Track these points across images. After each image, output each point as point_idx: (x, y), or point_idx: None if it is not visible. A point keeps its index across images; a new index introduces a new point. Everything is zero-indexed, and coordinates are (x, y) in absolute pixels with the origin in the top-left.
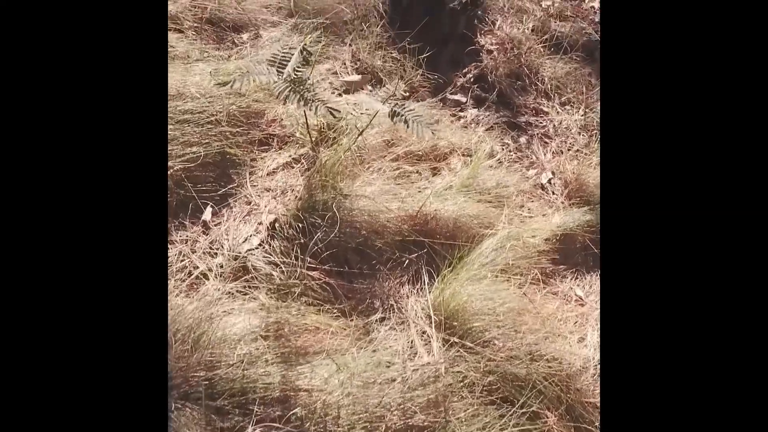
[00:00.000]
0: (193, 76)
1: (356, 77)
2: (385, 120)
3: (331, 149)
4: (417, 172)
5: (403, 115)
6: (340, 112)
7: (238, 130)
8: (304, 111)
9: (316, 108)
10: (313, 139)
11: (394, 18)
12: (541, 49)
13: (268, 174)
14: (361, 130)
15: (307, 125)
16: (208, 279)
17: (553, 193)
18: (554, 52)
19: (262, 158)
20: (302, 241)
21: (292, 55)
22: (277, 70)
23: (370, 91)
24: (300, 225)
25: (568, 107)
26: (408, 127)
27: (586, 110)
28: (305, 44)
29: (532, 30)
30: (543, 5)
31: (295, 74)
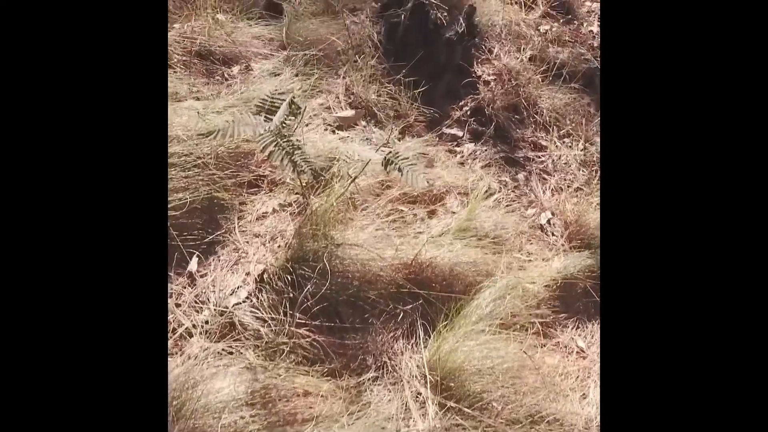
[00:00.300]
0: (180, 117)
1: (350, 113)
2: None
3: (322, 195)
4: (413, 213)
5: (396, 164)
6: (324, 175)
7: (226, 172)
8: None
9: (302, 168)
10: (304, 185)
11: (388, 49)
12: (539, 79)
13: (257, 218)
14: (353, 177)
15: (298, 177)
16: (192, 336)
17: (553, 234)
18: (553, 82)
19: (251, 201)
20: (292, 294)
21: (281, 101)
22: (264, 118)
23: (364, 126)
24: (289, 277)
25: (567, 140)
26: (402, 176)
27: (586, 144)
28: (293, 97)
29: (530, 59)
30: (541, 30)
31: (282, 126)
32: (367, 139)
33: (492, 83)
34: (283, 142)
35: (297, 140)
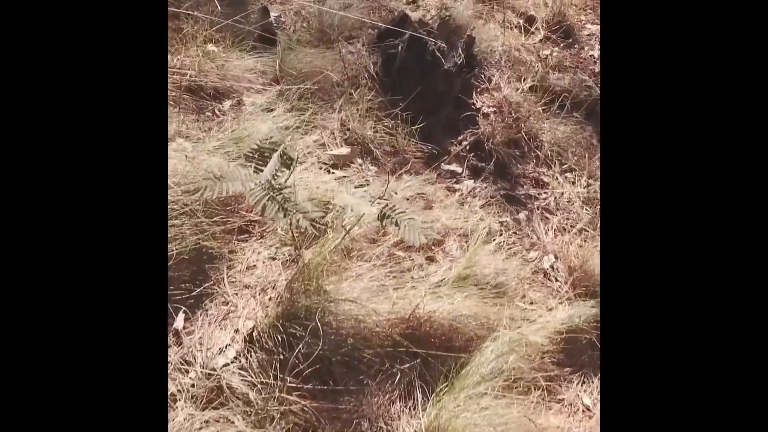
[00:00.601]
0: (168, 159)
1: (345, 150)
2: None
3: (315, 245)
4: (410, 259)
5: (393, 218)
6: (323, 224)
7: (215, 219)
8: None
9: (297, 221)
10: (297, 236)
11: (385, 81)
12: (540, 111)
13: (247, 268)
14: (347, 229)
15: (291, 228)
16: (177, 401)
17: (557, 280)
18: (554, 113)
19: (241, 249)
20: (282, 356)
21: (272, 150)
22: (254, 168)
23: (360, 164)
24: (280, 337)
25: (569, 175)
26: (399, 231)
27: (589, 180)
28: (285, 148)
29: (531, 89)
30: (541, 55)
31: (273, 178)
32: (363, 178)
33: (492, 116)
34: (276, 194)
35: (290, 191)
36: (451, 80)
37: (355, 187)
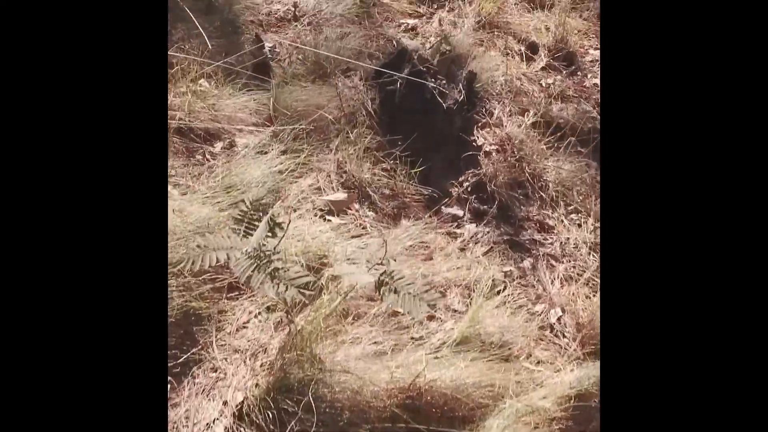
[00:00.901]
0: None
1: (342, 195)
2: (372, 258)
3: (308, 309)
4: (410, 317)
5: (392, 286)
6: (313, 290)
7: (203, 277)
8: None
9: (286, 289)
10: (288, 304)
11: (383, 119)
12: (544, 148)
13: (237, 329)
14: (344, 295)
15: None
16: None
17: (564, 336)
18: (557, 149)
19: (231, 309)
20: None
21: (262, 213)
22: (243, 232)
23: (357, 210)
24: (271, 413)
25: (574, 217)
26: (399, 303)
27: (595, 223)
28: (272, 215)
29: (533, 125)
30: (543, 84)
31: (261, 247)
32: (360, 226)
33: (494, 154)
34: (263, 262)
35: (279, 258)
36: (452, 118)
37: (353, 237)
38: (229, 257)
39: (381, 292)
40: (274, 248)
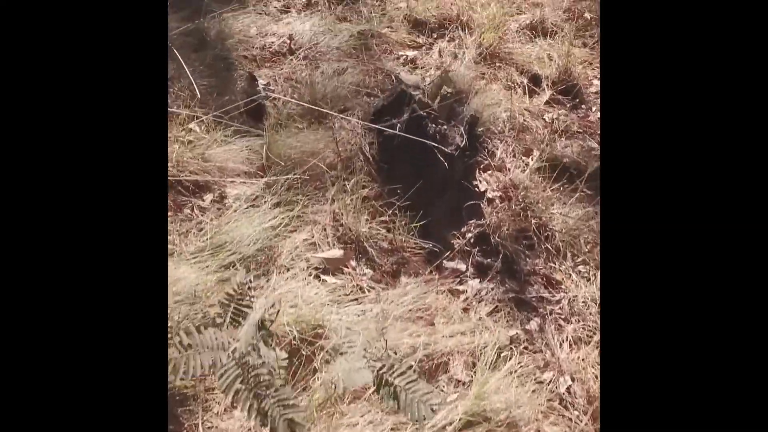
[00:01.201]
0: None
1: (338, 252)
2: (368, 330)
3: (301, 395)
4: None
5: (391, 389)
6: (304, 426)
7: (189, 352)
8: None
9: (275, 419)
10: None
11: (382, 165)
12: (550, 193)
13: (225, 410)
14: (339, 391)
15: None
16: None
17: (574, 408)
18: (563, 191)
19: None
20: None
21: (251, 297)
22: (231, 320)
23: (354, 268)
24: None
25: (582, 269)
26: (401, 406)
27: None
28: (264, 317)
29: (538, 170)
30: (547, 119)
31: (249, 351)
32: (357, 287)
33: (497, 201)
34: (249, 375)
35: (266, 378)
36: (454, 164)
37: (349, 302)
38: (214, 363)
39: (381, 394)
40: (262, 363)
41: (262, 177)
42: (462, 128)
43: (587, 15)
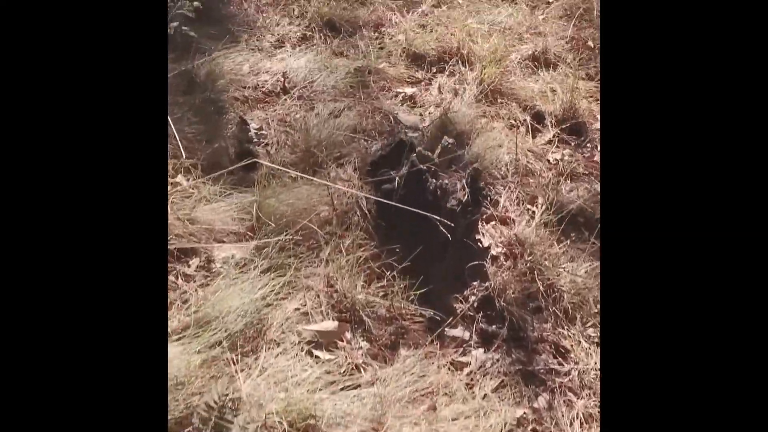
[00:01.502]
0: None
1: (332, 325)
2: (365, 421)
3: None
4: None
5: None
6: None
7: None
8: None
9: None
10: None
11: (379, 222)
12: (557, 250)
13: None
14: None
15: None
16: None
17: None
18: (570, 243)
19: None
20: None
21: (234, 412)
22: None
23: (349, 341)
24: None
25: (592, 332)
26: None
27: None
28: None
29: (545, 225)
30: (551, 160)
31: None
32: (353, 364)
33: (501, 258)
34: None
35: None
36: (455, 221)
37: (345, 383)
38: None
39: None
40: None
41: (252, 237)
42: (464, 181)
43: (590, 43)
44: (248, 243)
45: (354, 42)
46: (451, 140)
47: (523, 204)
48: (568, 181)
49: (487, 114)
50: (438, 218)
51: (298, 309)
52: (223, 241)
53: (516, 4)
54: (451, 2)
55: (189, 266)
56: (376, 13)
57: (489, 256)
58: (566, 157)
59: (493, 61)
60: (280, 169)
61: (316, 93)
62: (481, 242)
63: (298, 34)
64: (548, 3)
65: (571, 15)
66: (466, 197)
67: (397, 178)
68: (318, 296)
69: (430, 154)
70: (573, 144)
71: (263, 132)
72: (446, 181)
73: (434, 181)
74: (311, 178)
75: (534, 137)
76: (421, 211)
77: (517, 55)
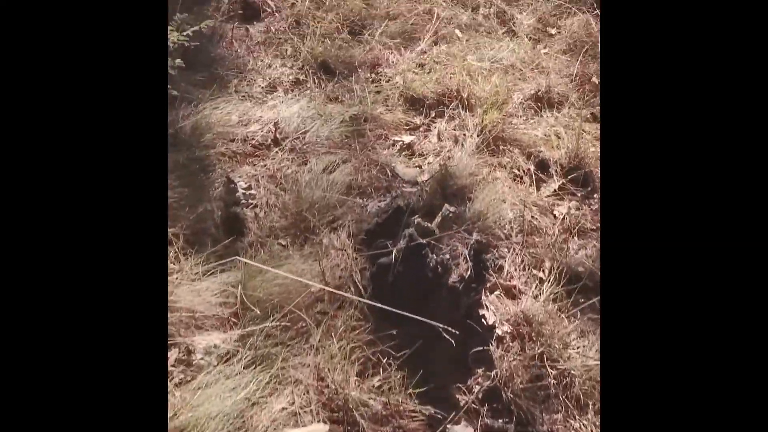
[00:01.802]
0: None
1: (323, 429)
2: None
3: None
4: None
5: None
6: None
7: None
8: None
9: None
10: None
11: (375, 301)
12: (567, 325)
13: None
14: None
15: None
16: None
17: None
18: (581, 318)
19: None
20: None
21: None
22: None
23: None
24: None
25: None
26: None
27: None
28: None
29: (554, 299)
30: (557, 214)
31: None
32: None
33: (507, 339)
34: None
35: None
36: (457, 300)
37: None
38: None
39: None
40: None
41: (235, 324)
42: (466, 252)
43: (595, 80)
44: (232, 332)
45: (349, 85)
46: (452, 209)
47: (528, 269)
48: (575, 238)
49: (489, 164)
50: (442, 326)
51: (284, 408)
52: (205, 328)
53: (517, 36)
54: (450, 37)
55: (170, 356)
56: (372, 53)
57: (494, 337)
58: (572, 211)
59: (494, 105)
60: (262, 268)
61: (309, 145)
62: (485, 319)
63: (291, 77)
64: (551, 36)
65: (574, 49)
66: (469, 272)
67: (394, 251)
68: (308, 392)
69: (429, 225)
70: (579, 195)
71: (252, 192)
72: (447, 256)
73: (434, 256)
74: (294, 277)
75: (538, 188)
76: (421, 318)
77: (520, 95)
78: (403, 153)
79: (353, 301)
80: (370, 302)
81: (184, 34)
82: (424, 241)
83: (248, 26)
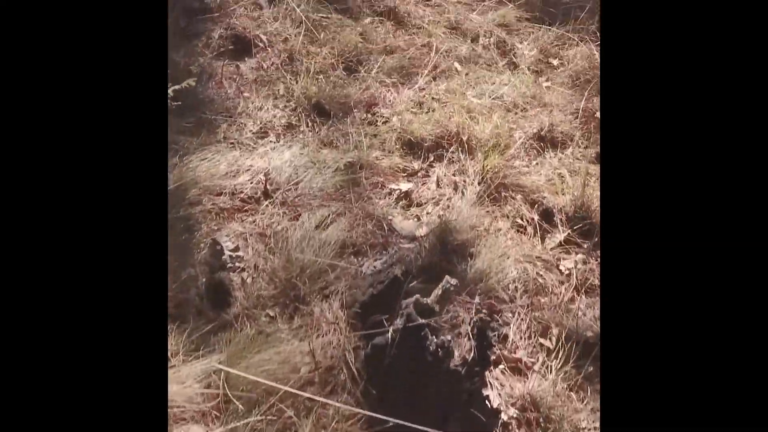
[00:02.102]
0: None
1: None
2: None
3: None
4: None
5: None
6: None
7: None
8: None
9: None
10: None
11: (369, 387)
12: (578, 406)
13: None
14: None
15: None
16: None
17: None
18: (591, 393)
19: None
20: None
21: None
22: None
23: None
24: None
25: None
26: None
27: None
28: None
29: (563, 379)
30: (563, 269)
31: None
32: None
33: (513, 425)
34: None
35: None
36: (458, 385)
37: None
38: None
39: None
40: None
41: (218, 418)
42: (469, 330)
43: (598, 115)
44: (214, 429)
45: (344, 129)
46: (453, 281)
47: (535, 336)
48: (583, 296)
49: (491, 213)
50: (435, 338)
51: None
52: (185, 420)
53: (518, 68)
54: (449, 71)
55: None
56: (368, 91)
57: (500, 424)
58: (579, 265)
59: (495, 148)
60: (247, 377)
61: (301, 197)
62: (489, 401)
63: (284, 120)
64: (553, 67)
65: (577, 82)
66: (472, 353)
67: (390, 330)
68: None
69: (428, 302)
70: (585, 246)
71: (239, 254)
72: (448, 337)
73: (434, 338)
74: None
75: (543, 240)
76: (418, 427)
77: (521, 134)
78: (401, 202)
79: (345, 385)
80: (370, 413)
81: (183, 84)
82: (424, 322)
83: (239, 63)
